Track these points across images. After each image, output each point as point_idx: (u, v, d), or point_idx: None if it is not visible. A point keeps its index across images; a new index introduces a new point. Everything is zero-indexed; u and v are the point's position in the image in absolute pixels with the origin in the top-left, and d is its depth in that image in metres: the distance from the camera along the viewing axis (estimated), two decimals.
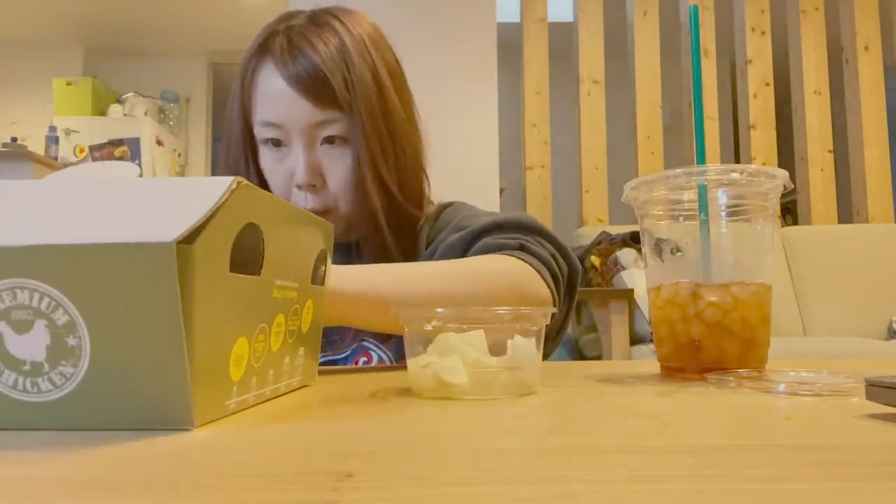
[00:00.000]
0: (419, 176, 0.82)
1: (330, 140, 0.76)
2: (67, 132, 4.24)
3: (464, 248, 0.72)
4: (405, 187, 0.79)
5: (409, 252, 0.80)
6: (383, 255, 0.77)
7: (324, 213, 0.77)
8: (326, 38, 0.75)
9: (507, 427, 0.31)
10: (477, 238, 0.73)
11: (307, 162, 0.76)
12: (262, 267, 0.35)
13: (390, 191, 0.76)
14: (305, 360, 0.45)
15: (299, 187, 0.76)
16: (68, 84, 4.41)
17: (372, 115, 0.75)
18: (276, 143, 0.77)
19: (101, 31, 4.70)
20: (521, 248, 0.70)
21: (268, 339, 0.37)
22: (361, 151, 0.75)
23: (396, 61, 0.82)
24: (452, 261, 0.68)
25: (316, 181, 0.76)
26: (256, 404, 0.36)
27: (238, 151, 0.80)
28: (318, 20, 0.77)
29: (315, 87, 0.74)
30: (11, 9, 4.33)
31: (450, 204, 0.87)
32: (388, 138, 0.77)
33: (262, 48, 0.77)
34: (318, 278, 0.46)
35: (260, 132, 0.78)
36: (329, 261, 0.48)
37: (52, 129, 4.11)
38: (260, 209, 0.34)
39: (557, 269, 0.71)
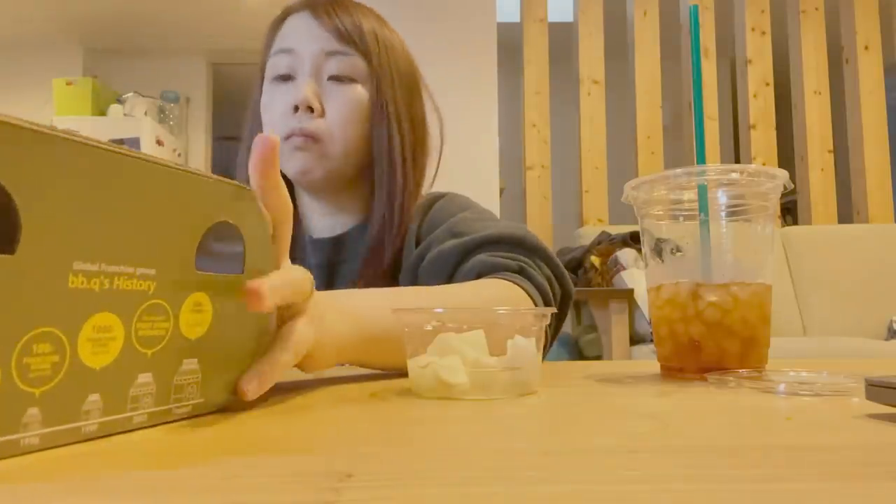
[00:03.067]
0: (422, 172, 0.80)
1: (338, 79, 0.74)
2: None
3: (458, 260, 0.69)
4: (413, 162, 0.77)
5: (397, 249, 0.76)
6: (373, 249, 0.74)
7: (314, 141, 0.74)
8: (365, 14, 0.76)
9: (507, 427, 0.31)
10: (473, 251, 0.69)
11: (310, 84, 0.73)
12: (17, 243, 0.24)
13: (398, 134, 0.75)
14: (205, 376, 0.33)
15: (296, 109, 0.73)
16: (68, 84, 4.41)
17: (399, 74, 0.76)
18: (284, 79, 0.75)
19: (101, 31, 4.70)
20: (521, 270, 0.66)
21: (68, 350, 0.26)
22: (380, 90, 0.74)
23: (418, 79, 0.83)
24: (450, 290, 0.62)
25: (314, 104, 0.73)
26: (59, 446, 0.25)
27: (254, 113, 0.78)
28: (359, 4, 0.77)
29: (345, 30, 0.73)
30: (11, 9, 4.33)
31: (441, 196, 0.83)
32: (406, 107, 0.76)
33: (303, 3, 0.76)
34: (228, 262, 0.34)
35: (271, 66, 0.76)
36: (263, 239, 0.36)
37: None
38: (12, 158, 0.23)
39: (552, 296, 0.68)
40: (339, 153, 0.74)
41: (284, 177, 0.76)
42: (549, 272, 0.70)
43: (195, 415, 0.32)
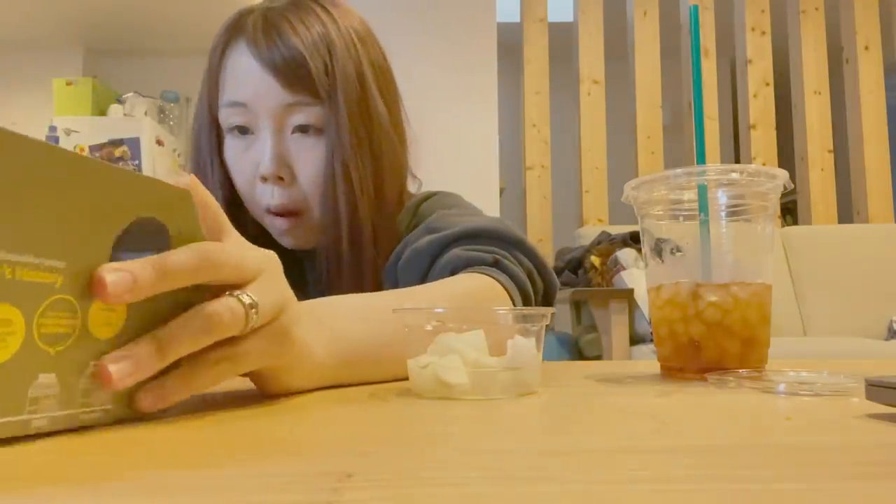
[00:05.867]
0: (399, 181, 0.76)
1: (303, 129, 0.69)
2: (67, 132, 4.24)
3: (433, 256, 0.67)
4: (380, 193, 0.72)
5: (380, 262, 0.73)
6: (336, 267, 0.71)
7: (292, 213, 0.70)
8: (309, 22, 0.69)
9: (507, 427, 0.31)
10: (448, 246, 0.67)
11: (274, 150, 0.68)
12: None
13: (357, 198, 0.70)
14: None
15: (265, 179, 0.69)
16: (68, 84, 4.41)
17: (351, 110, 0.69)
18: (242, 131, 0.70)
19: (101, 31, 4.70)
20: (496, 263, 0.64)
21: None
22: (335, 146, 0.68)
23: (384, 59, 0.77)
24: (417, 291, 0.58)
25: (283, 173, 0.69)
26: None
27: (205, 146, 0.73)
28: (301, 4, 0.71)
29: (290, 69, 0.67)
30: (11, 9, 4.33)
31: (433, 194, 0.80)
32: (366, 139, 0.70)
33: (234, 27, 0.70)
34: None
35: (225, 117, 0.71)
36: (194, 240, 0.32)
37: (53, 128, 4.10)
38: None
39: (531, 289, 0.66)
40: (322, 215, 0.71)
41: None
42: (529, 265, 0.68)
43: (106, 422, 0.29)
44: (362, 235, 0.71)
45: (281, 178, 0.69)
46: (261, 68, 0.67)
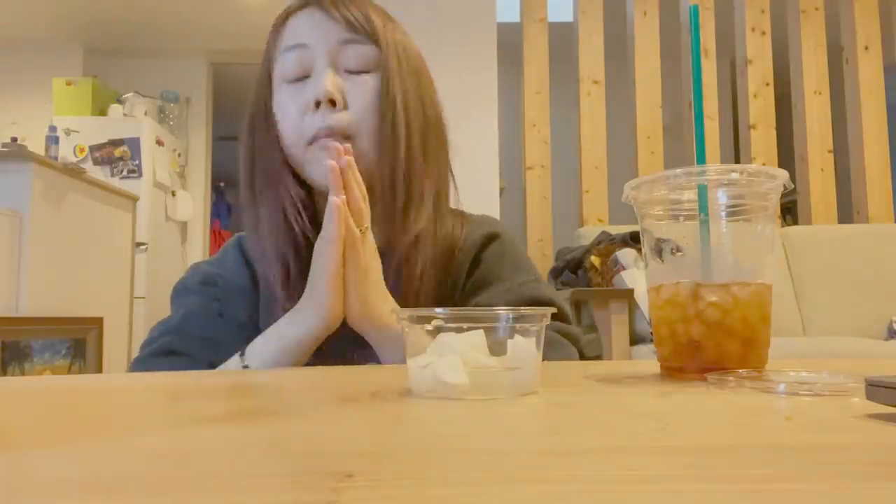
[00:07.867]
0: (445, 156, 0.77)
1: (356, 70, 0.71)
2: (68, 132, 4.24)
3: None
4: (429, 152, 0.73)
5: (443, 257, 0.74)
6: (391, 202, 0.70)
7: (344, 139, 0.69)
8: (374, 6, 0.75)
9: (507, 427, 0.31)
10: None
11: (329, 77, 0.70)
12: None
13: (412, 129, 0.71)
14: None
15: (317, 105, 0.69)
16: (68, 84, 4.41)
17: (406, 63, 0.73)
18: (298, 79, 0.72)
19: (101, 31, 4.70)
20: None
21: None
22: (391, 79, 0.71)
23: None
24: None
25: (337, 97, 0.69)
26: None
27: (261, 112, 0.75)
28: None
29: (353, 15, 0.71)
30: (11, 9, 4.33)
31: (494, 236, 0.79)
32: (418, 95, 0.73)
33: (304, 1, 0.74)
34: None
35: (281, 64, 0.73)
36: None
37: (53, 128, 4.09)
38: None
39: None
40: (371, 149, 0.70)
41: (302, 182, 0.73)
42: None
43: None
44: (416, 169, 0.72)
45: (333, 103, 0.69)
46: (323, 15, 0.72)
